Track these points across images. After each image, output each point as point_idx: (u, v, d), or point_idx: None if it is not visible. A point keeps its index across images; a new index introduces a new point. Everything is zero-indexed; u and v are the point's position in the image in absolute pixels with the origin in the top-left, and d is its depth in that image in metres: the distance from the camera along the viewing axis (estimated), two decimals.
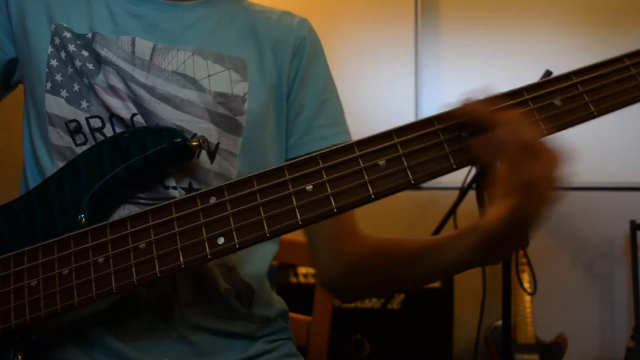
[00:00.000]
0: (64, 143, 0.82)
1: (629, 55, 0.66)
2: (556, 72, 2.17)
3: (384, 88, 2.55)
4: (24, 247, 0.70)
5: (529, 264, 2.14)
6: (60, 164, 0.81)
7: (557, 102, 0.64)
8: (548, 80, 0.65)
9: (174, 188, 0.80)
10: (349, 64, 2.51)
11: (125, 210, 0.79)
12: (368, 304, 2.19)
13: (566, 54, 2.48)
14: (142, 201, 0.79)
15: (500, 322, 2.02)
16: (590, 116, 0.63)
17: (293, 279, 2.19)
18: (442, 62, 2.55)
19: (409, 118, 2.71)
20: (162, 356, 0.79)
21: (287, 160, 0.91)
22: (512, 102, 0.64)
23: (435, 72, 2.55)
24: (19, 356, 0.71)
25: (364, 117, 2.48)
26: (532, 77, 2.00)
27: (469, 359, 2.39)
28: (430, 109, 2.51)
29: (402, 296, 2.19)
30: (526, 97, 0.64)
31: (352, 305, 2.18)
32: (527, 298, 2.21)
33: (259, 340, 0.88)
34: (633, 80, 0.64)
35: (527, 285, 2.15)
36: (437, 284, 2.19)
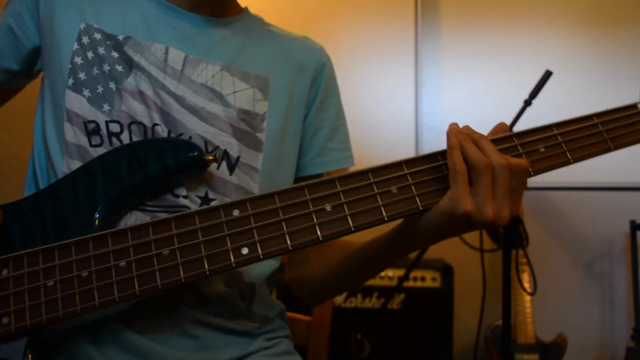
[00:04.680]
0: (78, 142, 0.82)
1: (597, 115, 0.79)
2: (556, 73, 2.16)
3: (384, 88, 2.55)
4: (35, 246, 0.70)
5: (529, 264, 2.14)
6: (70, 161, 0.82)
7: (541, 148, 0.75)
8: (533, 129, 0.76)
9: (185, 197, 0.81)
10: (348, 64, 2.51)
11: (133, 217, 0.80)
12: (368, 303, 2.19)
13: (566, 54, 2.48)
14: (149, 208, 0.81)
15: (500, 322, 2.02)
16: (567, 162, 0.75)
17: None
18: (442, 62, 2.55)
19: (409, 118, 2.70)
20: (169, 348, 0.80)
21: (297, 178, 0.97)
22: (503, 146, 0.73)
23: (435, 72, 2.55)
24: (29, 355, 0.71)
25: (364, 117, 2.48)
26: (532, 77, 2.01)
27: (469, 359, 2.39)
28: (430, 109, 2.52)
29: (402, 296, 2.19)
30: (516, 142, 0.74)
31: (352, 305, 2.18)
32: (527, 298, 2.21)
33: (258, 337, 0.90)
34: (601, 136, 0.78)
35: (527, 285, 2.15)
36: (437, 284, 2.20)
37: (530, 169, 0.72)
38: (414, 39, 2.55)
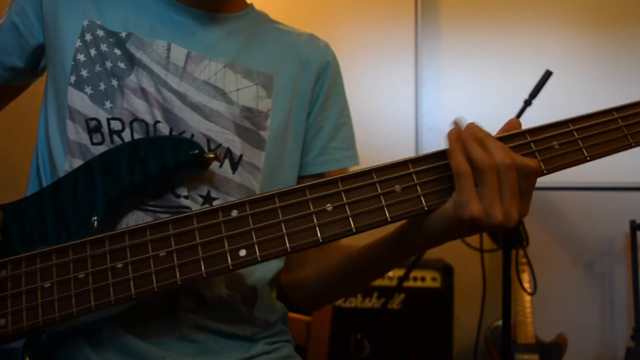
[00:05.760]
0: (80, 139, 0.82)
1: (617, 109, 0.74)
2: (556, 73, 2.15)
3: (384, 88, 2.55)
4: (34, 245, 0.71)
5: (529, 264, 2.14)
6: (72, 160, 0.81)
7: (555, 145, 0.70)
8: (547, 125, 0.71)
9: (186, 197, 0.80)
10: (348, 64, 2.50)
11: (134, 216, 0.79)
12: (368, 303, 2.19)
13: (566, 54, 2.48)
14: (150, 208, 0.80)
15: (500, 322, 2.02)
16: (584, 160, 0.71)
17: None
18: (442, 62, 2.55)
19: (409, 118, 2.70)
20: (169, 352, 0.79)
21: (299, 178, 0.95)
22: (515, 143, 0.69)
23: (435, 72, 2.55)
24: (27, 357, 0.71)
25: (364, 117, 2.48)
26: (532, 77, 2.01)
27: (469, 359, 2.39)
28: (430, 109, 2.51)
29: (402, 296, 2.19)
30: (529, 139, 0.70)
31: (352, 305, 2.18)
32: (527, 298, 2.21)
33: (259, 342, 0.89)
34: (620, 131, 0.72)
35: (527, 285, 2.15)
36: (437, 284, 2.20)
37: (543, 168, 0.69)
38: (414, 39, 2.55)
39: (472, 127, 0.67)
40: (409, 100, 2.54)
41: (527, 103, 1.88)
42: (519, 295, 2.20)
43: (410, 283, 2.19)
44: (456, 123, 0.69)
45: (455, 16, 2.56)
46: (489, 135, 0.67)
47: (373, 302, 2.19)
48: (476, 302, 2.22)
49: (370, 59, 2.53)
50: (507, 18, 2.53)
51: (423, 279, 2.20)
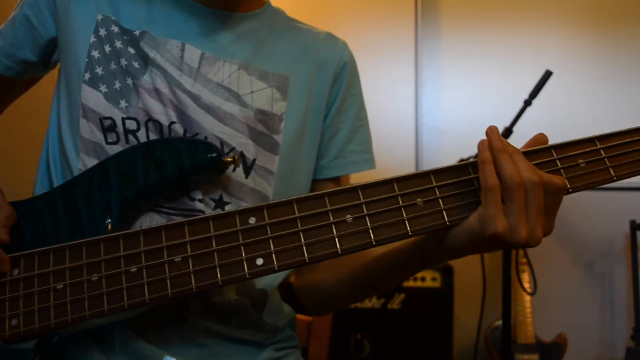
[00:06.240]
0: (94, 138, 0.81)
1: None
2: (556, 73, 2.15)
3: (384, 88, 2.55)
4: (46, 244, 0.69)
5: (529, 264, 2.14)
6: (86, 158, 0.80)
7: (582, 163, 0.69)
8: (574, 142, 0.70)
9: (200, 201, 0.79)
10: None
11: (148, 218, 0.78)
12: (368, 304, 2.19)
13: (566, 54, 2.48)
14: (165, 210, 0.79)
15: (500, 322, 2.02)
16: (610, 179, 0.70)
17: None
18: (442, 62, 2.55)
19: (409, 118, 2.69)
20: (178, 357, 0.78)
21: (314, 181, 0.93)
22: (541, 160, 0.68)
23: (435, 72, 2.55)
24: (37, 359, 0.70)
25: None
26: (532, 77, 2.00)
27: (469, 359, 2.39)
28: (430, 109, 2.51)
29: (402, 296, 2.19)
30: (555, 156, 0.69)
31: (352, 305, 2.18)
32: (527, 298, 2.21)
33: (268, 347, 0.88)
34: None
35: (527, 285, 2.15)
36: (437, 284, 2.20)
37: (568, 186, 0.67)
38: (414, 39, 2.55)
39: (502, 140, 0.66)
40: (409, 100, 2.54)
41: (527, 103, 1.88)
42: (519, 295, 2.20)
43: (410, 283, 2.19)
44: (489, 134, 0.67)
45: (455, 16, 2.56)
46: (517, 150, 0.66)
47: (373, 302, 2.19)
48: (476, 302, 2.22)
49: (370, 59, 2.53)
50: (507, 18, 2.53)
51: (423, 279, 2.20)
